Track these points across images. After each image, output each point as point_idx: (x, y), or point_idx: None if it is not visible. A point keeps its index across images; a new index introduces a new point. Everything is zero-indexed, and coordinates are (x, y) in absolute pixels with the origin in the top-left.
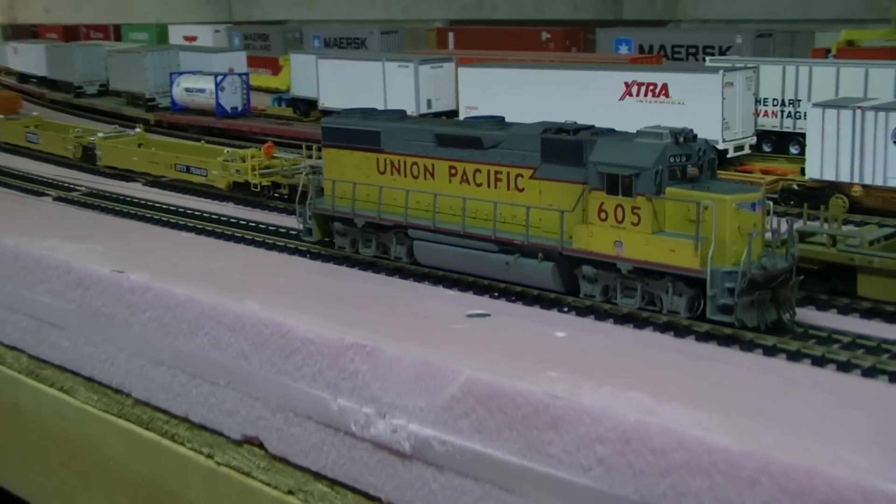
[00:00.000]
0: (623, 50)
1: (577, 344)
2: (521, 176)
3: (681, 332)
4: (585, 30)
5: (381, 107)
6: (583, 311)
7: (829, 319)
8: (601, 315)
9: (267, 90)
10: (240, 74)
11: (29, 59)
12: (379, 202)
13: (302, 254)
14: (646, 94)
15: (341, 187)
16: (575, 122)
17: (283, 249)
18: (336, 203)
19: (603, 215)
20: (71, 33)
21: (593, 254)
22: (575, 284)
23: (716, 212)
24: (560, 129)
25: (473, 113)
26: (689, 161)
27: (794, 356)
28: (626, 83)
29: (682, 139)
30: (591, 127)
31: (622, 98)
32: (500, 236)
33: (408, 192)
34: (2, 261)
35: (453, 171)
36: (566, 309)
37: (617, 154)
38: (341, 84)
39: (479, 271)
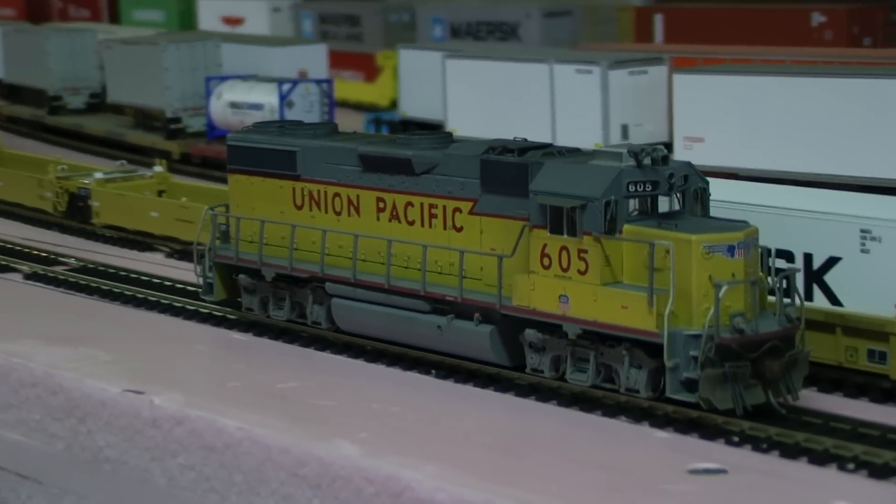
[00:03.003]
0: None
1: None
2: (459, 210)
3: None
4: (886, 9)
5: (547, 135)
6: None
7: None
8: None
9: (357, 106)
10: (317, 81)
11: None
12: (291, 247)
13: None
14: None
15: (247, 227)
16: (525, 139)
17: (386, 359)
18: (241, 249)
19: (546, 261)
20: (38, 10)
21: (536, 313)
22: (522, 355)
23: (674, 256)
24: (506, 148)
25: (697, 147)
26: (657, 189)
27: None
28: None
29: (646, 161)
30: (548, 145)
31: None
32: (430, 291)
33: (324, 232)
34: None
35: (381, 205)
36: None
37: (563, 181)
38: (481, 98)
39: (408, 340)
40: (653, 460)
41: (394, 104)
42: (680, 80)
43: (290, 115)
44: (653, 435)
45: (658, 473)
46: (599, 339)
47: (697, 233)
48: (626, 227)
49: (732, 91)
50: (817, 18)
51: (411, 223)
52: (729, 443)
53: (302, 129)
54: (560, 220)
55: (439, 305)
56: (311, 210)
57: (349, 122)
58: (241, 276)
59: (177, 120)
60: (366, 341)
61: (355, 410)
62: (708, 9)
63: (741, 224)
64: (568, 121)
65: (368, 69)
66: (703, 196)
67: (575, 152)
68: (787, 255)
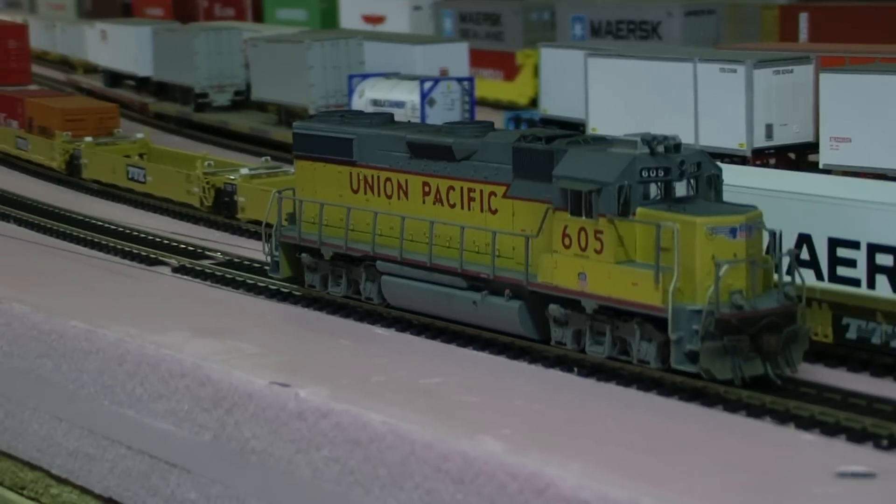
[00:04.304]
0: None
1: None
2: (495, 194)
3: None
4: None
5: (689, 135)
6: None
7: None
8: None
9: (496, 105)
10: (459, 79)
11: (124, 49)
12: (346, 227)
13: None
14: None
15: (309, 209)
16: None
17: (528, 355)
18: (303, 230)
19: (567, 241)
20: (185, 9)
21: (558, 289)
22: (548, 329)
23: (678, 237)
24: (536, 136)
25: (843, 147)
26: (669, 175)
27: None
28: None
29: (659, 149)
30: (575, 134)
31: None
32: (467, 269)
33: (376, 214)
34: (97, 363)
35: (426, 189)
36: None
37: (582, 167)
38: (623, 97)
39: (448, 314)
40: (798, 462)
41: (533, 103)
42: (827, 79)
43: (432, 112)
44: (799, 437)
45: (804, 476)
46: (615, 313)
47: (702, 215)
48: (639, 209)
49: (882, 91)
50: None
51: (452, 206)
52: (877, 447)
53: (359, 118)
54: (579, 203)
55: (475, 282)
56: (365, 194)
57: (488, 118)
58: (304, 255)
59: None
60: (510, 338)
61: (498, 407)
62: (855, 7)
63: (746, 208)
64: (711, 120)
65: (508, 67)
66: (716, 182)
67: (600, 141)
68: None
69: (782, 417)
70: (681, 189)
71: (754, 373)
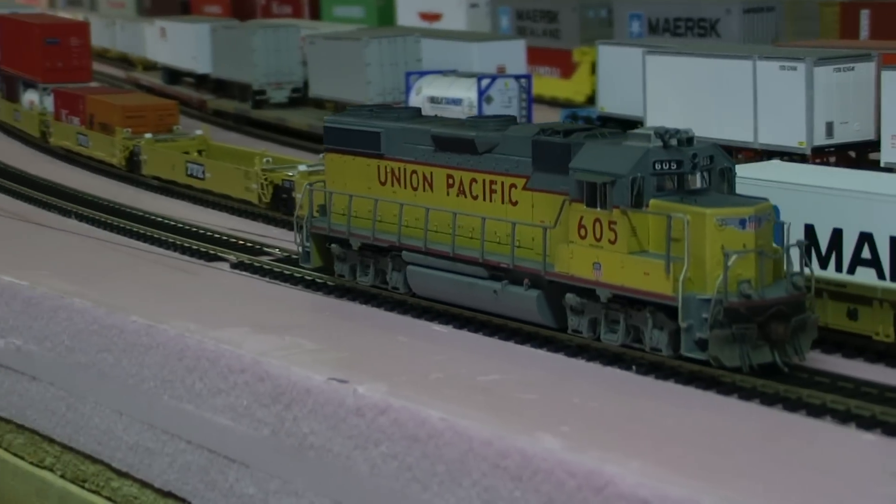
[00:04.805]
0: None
1: None
2: (515, 186)
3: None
4: None
5: (749, 133)
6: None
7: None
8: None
9: (552, 102)
10: (516, 77)
11: (182, 47)
12: (373, 219)
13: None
14: None
15: (338, 201)
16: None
17: (586, 353)
18: (332, 221)
19: (583, 231)
20: (243, 6)
21: (574, 278)
22: (565, 318)
23: (688, 228)
24: (554, 130)
25: None
26: (682, 168)
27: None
28: None
29: (672, 142)
30: (592, 128)
31: None
32: (489, 259)
33: (402, 206)
34: (158, 358)
35: (450, 181)
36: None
37: (597, 160)
38: (682, 95)
39: (469, 303)
40: (859, 462)
41: (589, 100)
42: (889, 76)
43: (489, 110)
44: (860, 437)
45: (864, 476)
46: (628, 302)
47: (713, 207)
48: (652, 201)
49: None
50: None
51: (475, 198)
52: None
53: (388, 112)
54: (594, 194)
55: (496, 272)
56: (392, 186)
57: (546, 118)
58: (333, 246)
59: None
60: (570, 336)
61: (556, 404)
62: None
63: (755, 200)
64: (770, 118)
65: (565, 65)
66: (728, 175)
67: (616, 134)
68: None
69: (843, 417)
70: (695, 182)
71: (762, 360)
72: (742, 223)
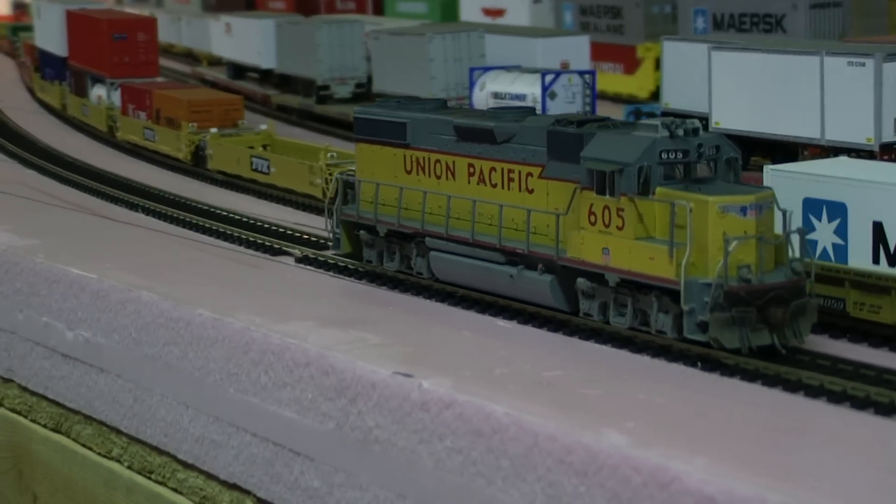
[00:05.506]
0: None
1: None
2: (531, 175)
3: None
4: None
5: (816, 129)
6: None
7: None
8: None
9: (615, 98)
10: (580, 73)
11: (247, 42)
12: (399, 206)
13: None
14: None
15: (366, 189)
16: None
17: (651, 350)
18: (360, 208)
19: (592, 218)
20: (307, 2)
21: (584, 263)
22: (577, 302)
23: (691, 214)
24: (568, 120)
25: None
26: (687, 157)
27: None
28: None
29: (679, 132)
30: (606, 119)
31: None
32: (506, 245)
33: (425, 193)
34: (223, 351)
35: (471, 170)
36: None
37: (607, 149)
38: (747, 90)
39: (488, 287)
40: None
41: (653, 96)
42: None
43: (553, 106)
44: None
45: None
46: (635, 286)
47: (715, 195)
48: (658, 189)
49: None
50: None
51: (494, 186)
52: None
53: (414, 103)
54: (603, 182)
55: (512, 257)
56: (417, 174)
57: (609, 113)
58: (362, 232)
59: None
60: (632, 332)
61: (621, 400)
62: None
63: (757, 188)
64: (838, 114)
65: (628, 61)
66: (734, 164)
67: (627, 125)
68: None
69: None
70: (702, 171)
71: (761, 343)
72: (743, 210)
